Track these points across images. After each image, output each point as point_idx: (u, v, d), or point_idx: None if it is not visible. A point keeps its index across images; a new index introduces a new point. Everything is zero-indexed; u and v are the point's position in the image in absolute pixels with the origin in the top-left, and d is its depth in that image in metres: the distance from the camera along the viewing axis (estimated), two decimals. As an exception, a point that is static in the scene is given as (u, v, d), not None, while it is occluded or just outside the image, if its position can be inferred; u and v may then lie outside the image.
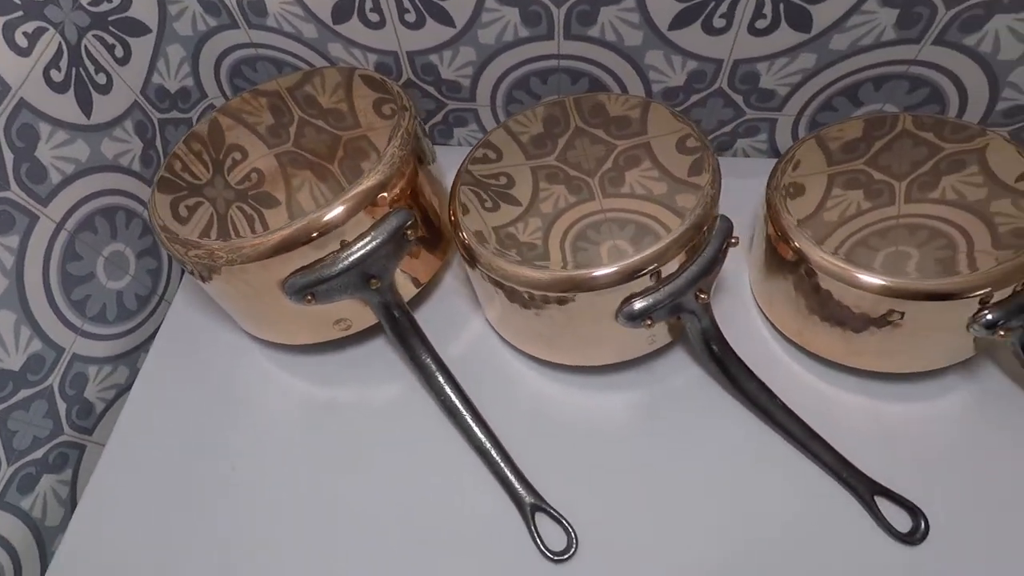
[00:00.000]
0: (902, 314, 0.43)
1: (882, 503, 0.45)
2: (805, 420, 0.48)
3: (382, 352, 0.56)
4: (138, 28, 0.58)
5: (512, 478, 0.48)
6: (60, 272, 0.53)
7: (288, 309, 0.50)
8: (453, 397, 0.50)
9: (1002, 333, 0.42)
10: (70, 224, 0.53)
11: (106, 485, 0.53)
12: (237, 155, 0.53)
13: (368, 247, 0.47)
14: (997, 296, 0.42)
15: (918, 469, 0.46)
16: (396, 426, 0.53)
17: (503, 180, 0.50)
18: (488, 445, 0.49)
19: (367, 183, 0.47)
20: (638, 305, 0.44)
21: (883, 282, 0.42)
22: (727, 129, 0.62)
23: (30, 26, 0.48)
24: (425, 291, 0.58)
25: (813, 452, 0.47)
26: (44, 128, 0.50)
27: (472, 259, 0.47)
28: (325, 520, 0.49)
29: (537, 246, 0.45)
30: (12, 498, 0.50)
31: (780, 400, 0.48)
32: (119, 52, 0.57)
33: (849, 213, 0.46)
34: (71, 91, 0.52)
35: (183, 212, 0.51)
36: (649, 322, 0.44)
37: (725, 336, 0.49)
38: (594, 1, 0.52)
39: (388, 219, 0.48)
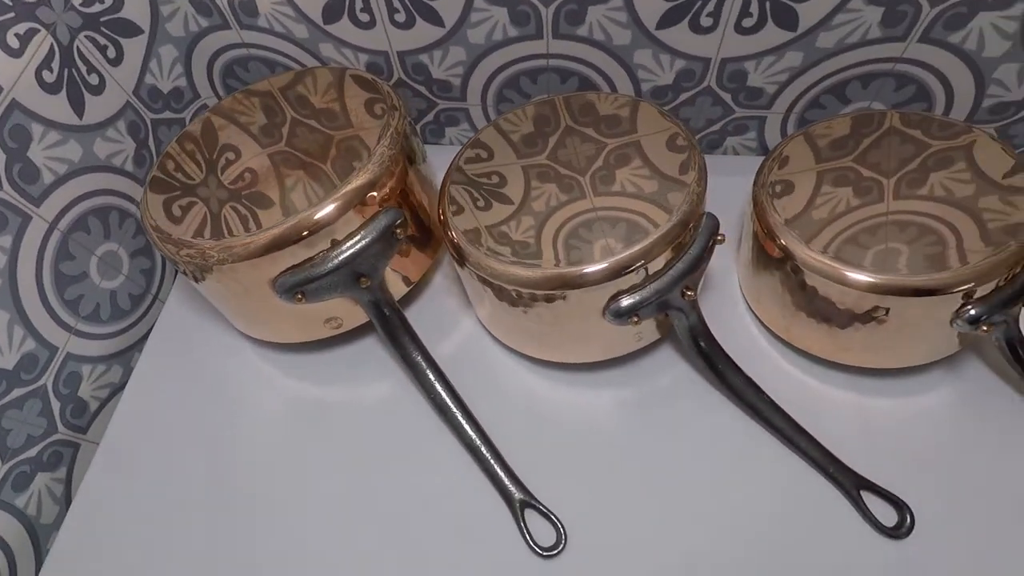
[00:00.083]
0: (887, 310, 0.44)
1: (868, 497, 0.46)
2: (792, 415, 0.48)
3: (373, 350, 0.57)
4: (130, 29, 0.58)
5: (502, 475, 0.49)
6: (53, 272, 0.53)
7: (279, 308, 0.50)
8: (443, 395, 0.51)
9: (985, 328, 0.43)
10: (63, 224, 0.53)
11: (100, 483, 0.53)
12: (230, 155, 0.54)
13: (358, 246, 0.48)
14: (980, 291, 0.42)
15: (904, 464, 0.47)
16: (387, 424, 0.53)
17: (495, 179, 0.50)
18: (478, 442, 0.50)
19: (356, 182, 0.47)
20: (625, 302, 0.44)
21: (867, 278, 0.43)
22: (716, 127, 0.63)
23: (22, 27, 0.49)
24: (416, 290, 0.59)
25: (800, 447, 0.48)
26: (36, 129, 0.50)
27: (461, 258, 0.48)
28: (318, 517, 0.49)
29: (530, 244, 0.46)
30: (7, 496, 0.51)
31: (767, 396, 0.49)
32: (111, 53, 0.57)
33: (836, 210, 0.46)
34: (63, 92, 0.52)
35: (176, 212, 0.51)
36: (636, 319, 0.45)
37: (714, 333, 0.49)
38: (582, 0, 0.52)
39: (378, 218, 0.48)
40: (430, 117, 0.67)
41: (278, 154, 0.53)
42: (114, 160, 0.58)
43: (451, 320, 0.57)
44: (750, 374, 0.49)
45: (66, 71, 0.52)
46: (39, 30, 0.50)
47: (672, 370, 0.53)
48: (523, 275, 0.45)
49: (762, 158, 0.51)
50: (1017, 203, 0.44)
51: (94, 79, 0.55)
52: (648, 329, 0.50)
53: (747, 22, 0.51)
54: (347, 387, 0.56)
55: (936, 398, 0.49)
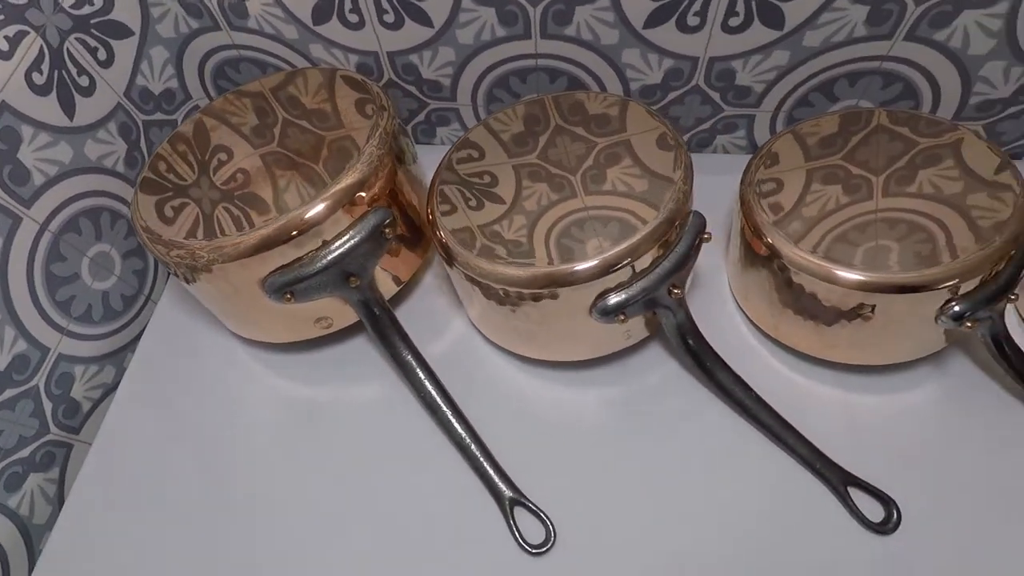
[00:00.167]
0: (872, 307, 0.44)
1: (855, 493, 0.46)
2: (780, 412, 0.48)
3: (364, 350, 0.57)
4: (121, 31, 0.58)
5: (492, 473, 0.49)
6: (44, 273, 0.53)
7: (269, 308, 0.50)
8: (433, 393, 0.51)
9: (969, 324, 0.43)
10: (54, 225, 0.53)
11: (92, 483, 0.53)
12: (222, 156, 0.54)
13: (346, 245, 0.48)
14: (964, 288, 0.42)
15: (890, 460, 0.47)
16: (378, 423, 0.53)
17: (486, 179, 0.51)
18: (468, 441, 0.50)
19: (344, 182, 0.48)
20: (612, 300, 0.45)
21: (852, 276, 0.43)
22: (706, 126, 0.63)
23: (11, 29, 0.49)
24: (407, 289, 0.59)
25: (787, 444, 0.48)
26: (26, 130, 0.51)
27: (450, 258, 0.48)
28: (309, 516, 0.50)
29: (522, 244, 0.46)
30: (-1, 496, 0.51)
31: (755, 393, 0.49)
32: (102, 55, 0.57)
33: (823, 208, 0.46)
34: (53, 93, 0.52)
35: (168, 213, 0.51)
36: (623, 317, 0.45)
37: (703, 330, 0.50)
38: (569, 0, 0.52)
39: (366, 218, 0.49)
40: (421, 117, 0.67)
41: (270, 155, 0.53)
42: (105, 161, 0.58)
43: (441, 319, 0.58)
44: (739, 371, 0.50)
45: (56, 73, 0.53)
46: (28, 32, 0.50)
47: (661, 368, 0.53)
48: (510, 274, 0.45)
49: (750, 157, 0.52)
50: (1003, 200, 0.44)
51: (84, 81, 0.56)
52: (636, 327, 0.50)
53: (733, 21, 0.52)
54: (338, 387, 0.56)
55: (922, 394, 0.50)
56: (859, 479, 0.46)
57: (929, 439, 0.48)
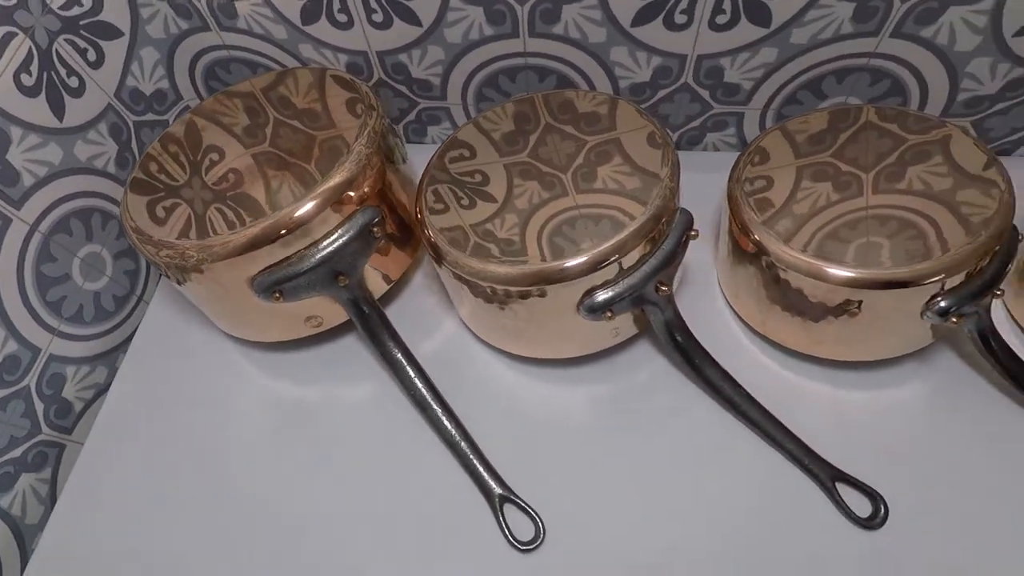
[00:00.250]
0: (859, 303, 0.44)
1: (843, 489, 0.46)
2: (768, 408, 0.49)
3: (355, 348, 0.57)
4: (110, 32, 0.59)
5: (481, 470, 0.49)
6: (35, 274, 0.53)
7: (259, 307, 0.50)
8: (423, 391, 0.51)
9: (955, 320, 0.43)
10: (44, 226, 0.54)
11: (85, 483, 0.54)
12: (213, 156, 0.54)
13: (335, 244, 0.48)
14: (949, 283, 0.43)
15: (878, 455, 0.47)
16: (369, 421, 0.54)
17: (476, 178, 0.51)
18: (458, 438, 0.50)
19: (332, 181, 0.48)
20: (599, 298, 0.45)
21: (837, 272, 0.43)
22: (695, 124, 0.63)
23: (-1, 31, 0.49)
24: (397, 288, 0.59)
25: (776, 440, 0.48)
26: (15, 132, 0.51)
27: (439, 256, 0.48)
28: (302, 515, 0.50)
29: (515, 242, 0.46)
30: (-10, 496, 0.51)
31: (744, 389, 0.49)
32: (91, 56, 0.57)
33: (810, 204, 0.47)
34: (43, 95, 0.52)
35: (160, 213, 0.51)
36: (610, 314, 0.45)
37: (693, 327, 0.50)
38: (556, -1, 0.52)
39: (355, 217, 0.49)
40: (412, 116, 0.67)
41: (261, 155, 0.53)
42: (96, 162, 0.58)
43: (432, 317, 0.58)
44: (728, 368, 0.50)
45: (45, 74, 0.53)
46: (17, 34, 0.50)
47: (650, 365, 0.53)
48: (498, 272, 0.45)
49: (740, 154, 0.52)
50: (988, 196, 0.44)
51: (74, 82, 0.56)
52: (625, 324, 0.50)
53: (721, 19, 0.52)
54: (329, 385, 0.56)
55: (910, 390, 0.50)
56: (847, 474, 0.46)
57: (917, 435, 0.48)
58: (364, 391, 0.55)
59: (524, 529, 0.47)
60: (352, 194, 0.49)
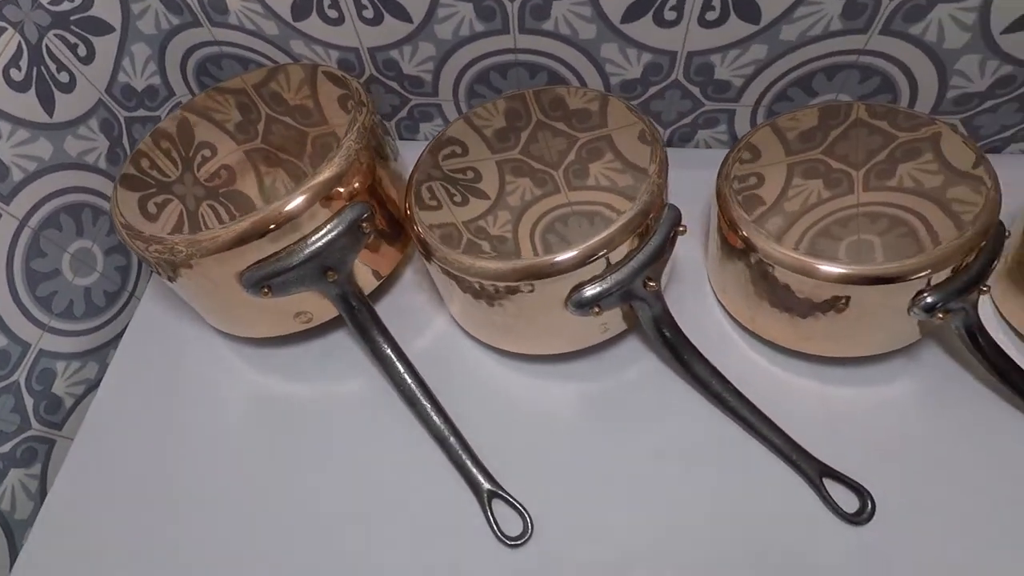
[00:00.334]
0: (846, 299, 0.44)
1: (830, 484, 0.46)
2: (757, 404, 0.49)
3: (345, 344, 0.57)
4: (101, 27, 0.59)
5: (470, 465, 0.49)
6: (24, 269, 0.53)
7: (248, 302, 0.50)
8: (413, 386, 0.51)
9: (941, 316, 0.43)
10: (33, 221, 0.53)
11: (74, 479, 0.54)
12: (205, 152, 0.54)
13: (324, 240, 0.48)
14: (935, 279, 0.43)
15: (866, 451, 0.47)
16: (359, 416, 0.54)
17: (467, 174, 0.51)
18: (447, 433, 0.50)
19: (321, 176, 0.48)
20: (586, 293, 0.45)
21: (822, 268, 0.43)
22: (687, 121, 0.63)
23: (-12, 26, 0.49)
24: (388, 284, 0.59)
25: (764, 435, 0.48)
26: (4, 127, 0.51)
27: (427, 252, 0.48)
28: (291, 510, 0.50)
29: (507, 239, 0.46)
30: (-21, 492, 0.51)
31: (732, 385, 0.49)
32: (82, 51, 0.57)
33: (799, 200, 0.47)
34: (32, 90, 0.52)
35: (152, 209, 0.51)
36: (597, 310, 0.45)
37: (684, 323, 0.50)
38: (546, -5, 0.53)
39: (344, 212, 0.49)
40: (404, 113, 0.67)
41: (252, 151, 0.53)
42: (87, 158, 0.58)
43: (421, 313, 0.58)
44: (717, 364, 0.50)
45: (35, 69, 0.53)
46: (6, 28, 0.50)
47: (639, 361, 0.53)
48: (486, 267, 0.45)
49: (731, 151, 0.52)
50: (975, 193, 0.44)
51: (64, 77, 0.56)
52: (614, 320, 0.50)
53: (710, 15, 0.52)
54: (319, 381, 0.56)
55: (897, 386, 0.50)
56: (834, 470, 0.46)
57: (904, 430, 0.48)
58: (354, 387, 0.55)
59: (512, 524, 0.47)
60: (341, 190, 0.49)
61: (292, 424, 0.54)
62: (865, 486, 0.46)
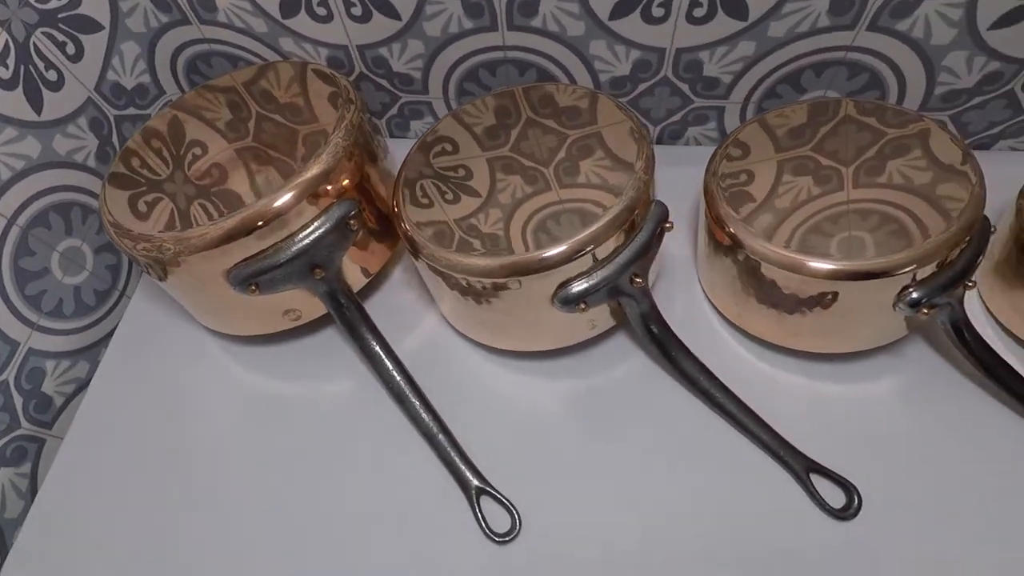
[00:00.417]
0: (831, 295, 0.44)
1: (817, 480, 0.46)
2: (744, 400, 0.49)
3: (335, 341, 0.57)
4: (90, 25, 0.58)
5: (459, 462, 0.49)
6: (12, 267, 0.53)
7: (237, 300, 0.50)
8: (401, 383, 0.51)
9: (926, 311, 0.43)
10: (22, 220, 0.53)
11: (64, 478, 0.54)
12: (195, 150, 0.54)
13: (311, 237, 0.48)
14: (920, 274, 0.43)
15: (852, 446, 0.47)
16: (349, 413, 0.54)
17: (459, 172, 0.51)
18: (435, 430, 0.50)
19: (308, 173, 0.48)
20: (573, 289, 0.45)
21: (808, 264, 0.43)
22: (676, 118, 0.63)
23: (-25, 24, 0.49)
24: (377, 282, 0.59)
25: (751, 431, 0.48)
26: (-8, 125, 0.51)
27: (415, 250, 0.48)
28: (281, 508, 0.50)
29: (499, 237, 0.46)
30: (-32, 490, 0.51)
31: (719, 381, 0.49)
32: (71, 49, 0.57)
33: (788, 198, 0.46)
34: (20, 88, 0.52)
35: (142, 208, 0.51)
36: (583, 306, 0.45)
37: (673, 320, 0.50)
38: (534, -8, 0.53)
39: (331, 209, 0.49)
40: (394, 111, 0.67)
41: (243, 148, 0.53)
42: (76, 156, 0.58)
43: (411, 311, 0.58)
44: (705, 360, 0.50)
45: (22, 67, 0.53)
46: (-7, 26, 0.50)
47: (627, 358, 0.53)
48: (472, 264, 0.45)
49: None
50: (960, 189, 0.44)
51: (52, 75, 0.55)
52: (602, 317, 0.50)
53: (698, 12, 0.52)
54: (309, 378, 0.56)
55: (884, 382, 0.50)
56: (821, 465, 0.46)
57: (890, 426, 0.48)
58: (344, 384, 0.55)
59: (500, 521, 0.47)
60: (329, 187, 0.49)
61: (282, 422, 0.54)
62: (851, 481, 0.46)
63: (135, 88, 0.64)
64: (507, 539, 0.47)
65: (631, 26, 0.54)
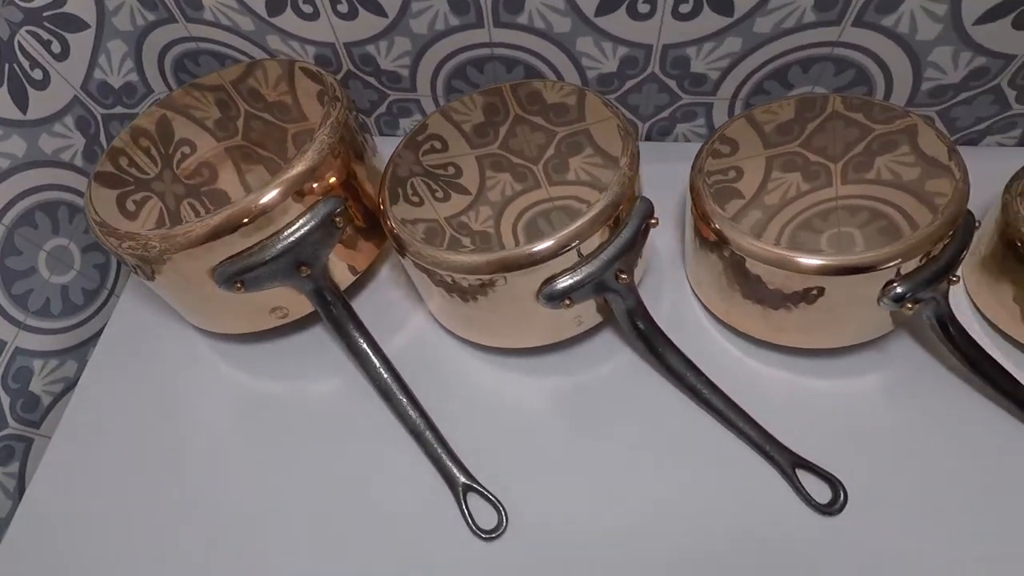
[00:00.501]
0: (815, 290, 0.44)
1: (803, 475, 0.46)
2: (731, 396, 0.49)
3: (324, 339, 0.57)
4: (75, 24, 0.58)
5: (446, 459, 0.49)
6: (-2, 266, 0.53)
7: (223, 298, 0.50)
8: (388, 380, 0.51)
9: (909, 306, 0.43)
10: (7, 219, 0.53)
11: (52, 477, 0.53)
12: (184, 148, 0.54)
13: (296, 235, 0.48)
14: (904, 269, 0.43)
15: (838, 442, 0.47)
16: (336, 411, 0.54)
17: (448, 169, 0.51)
18: (423, 427, 0.50)
19: (293, 170, 0.48)
20: (558, 285, 0.45)
21: (793, 259, 0.43)
22: (665, 114, 0.63)
23: (-42, 22, 0.49)
24: (365, 279, 0.59)
25: (737, 427, 0.48)
26: (-24, 124, 0.51)
27: (401, 247, 0.48)
28: (269, 505, 0.50)
29: (489, 235, 0.46)
30: (-45, 490, 0.51)
31: (706, 376, 0.49)
32: (56, 48, 0.57)
33: (777, 194, 0.46)
34: (4, 87, 0.52)
35: (130, 207, 0.51)
36: (568, 302, 0.45)
37: (661, 316, 0.50)
38: (518, -12, 0.52)
39: (317, 207, 0.49)
40: (383, 109, 0.67)
41: (233, 147, 0.53)
42: (62, 155, 0.58)
43: (399, 308, 0.58)
44: (693, 356, 0.50)
45: (7, 66, 0.52)
46: (-23, 25, 0.50)
47: (614, 354, 0.53)
48: (458, 261, 0.45)
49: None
50: (944, 184, 0.44)
51: (38, 74, 0.55)
52: (588, 313, 0.50)
53: (684, 8, 0.52)
54: (296, 376, 0.56)
55: (870, 378, 0.50)
56: (807, 461, 0.47)
57: (876, 421, 0.48)
58: (331, 381, 0.55)
59: (487, 517, 0.47)
60: (315, 184, 0.49)
61: (270, 420, 0.54)
62: (837, 476, 0.46)
63: (123, 87, 0.64)
64: (494, 535, 0.47)
65: (617, 22, 0.54)
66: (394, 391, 0.51)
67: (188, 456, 0.53)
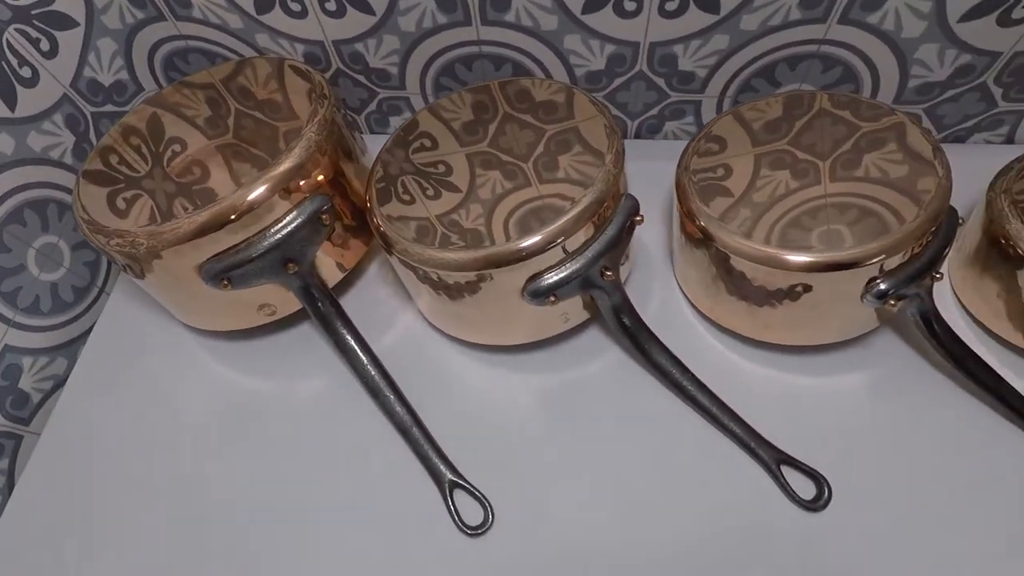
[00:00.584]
0: (800, 287, 0.44)
1: (787, 472, 0.47)
2: (716, 393, 0.49)
3: (312, 336, 0.57)
4: (64, 22, 0.58)
5: (432, 456, 0.49)
6: (-13, 264, 0.53)
7: (211, 295, 0.50)
8: (376, 377, 0.51)
9: (893, 303, 0.44)
10: (-4, 216, 0.54)
11: (41, 474, 0.54)
12: (174, 146, 0.54)
13: (283, 232, 0.48)
14: (887, 266, 0.43)
15: (822, 438, 0.48)
16: (324, 408, 0.54)
17: (438, 167, 0.51)
18: (409, 424, 0.50)
19: (280, 167, 0.48)
20: (542, 283, 0.45)
21: (777, 256, 0.43)
22: (653, 112, 0.63)
23: (-54, 20, 0.49)
24: (353, 277, 0.59)
25: (723, 423, 0.48)
26: (-36, 121, 0.51)
27: (388, 245, 0.48)
28: (256, 503, 0.50)
29: (481, 233, 0.46)
30: (-57, 487, 0.51)
31: (691, 373, 0.49)
32: (45, 46, 0.57)
33: (765, 192, 0.47)
34: (-8, 85, 0.52)
35: (120, 204, 0.51)
36: (553, 299, 0.45)
37: (648, 313, 0.51)
38: (505, -14, 0.53)
39: (304, 204, 0.49)
40: (373, 107, 0.67)
41: (223, 145, 0.53)
42: (51, 153, 0.58)
43: (387, 306, 0.58)
44: (678, 353, 0.50)
45: (-5, 64, 0.53)
46: (-36, 23, 0.50)
47: (601, 352, 0.53)
48: (444, 258, 0.45)
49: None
50: (927, 181, 0.44)
51: (27, 72, 0.55)
52: (574, 310, 0.50)
53: (670, 5, 0.52)
54: (286, 373, 0.56)
55: (855, 374, 0.50)
56: (792, 458, 0.47)
57: (860, 418, 0.49)
58: (320, 378, 0.55)
59: (473, 514, 0.47)
60: (302, 181, 0.49)
61: (258, 417, 0.54)
62: (822, 473, 0.46)
63: (113, 85, 0.64)
64: (480, 532, 0.47)
65: (604, 20, 0.54)
66: (381, 388, 0.51)
67: (177, 453, 0.53)
